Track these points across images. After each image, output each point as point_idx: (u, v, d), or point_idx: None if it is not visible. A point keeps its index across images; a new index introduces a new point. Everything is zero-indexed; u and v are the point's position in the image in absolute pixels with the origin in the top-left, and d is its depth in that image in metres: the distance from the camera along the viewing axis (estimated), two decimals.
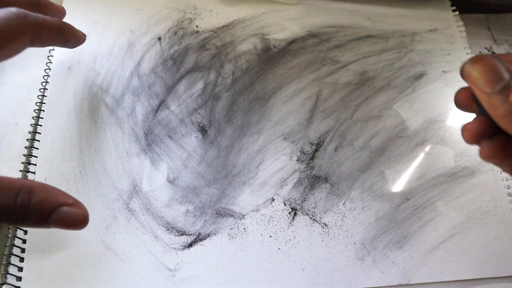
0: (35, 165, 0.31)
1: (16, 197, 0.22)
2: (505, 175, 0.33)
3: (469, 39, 0.40)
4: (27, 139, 0.32)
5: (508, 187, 0.32)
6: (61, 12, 0.32)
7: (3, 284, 0.27)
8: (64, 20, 0.36)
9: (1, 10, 0.24)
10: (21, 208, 0.22)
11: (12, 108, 0.34)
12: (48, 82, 0.34)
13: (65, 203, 0.24)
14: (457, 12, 0.41)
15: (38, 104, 0.34)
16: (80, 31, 0.32)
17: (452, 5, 0.41)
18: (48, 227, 0.23)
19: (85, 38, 0.32)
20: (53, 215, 0.23)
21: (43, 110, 0.33)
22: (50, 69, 0.35)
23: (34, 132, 0.32)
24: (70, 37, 0.30)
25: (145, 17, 0.38)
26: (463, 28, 0.40)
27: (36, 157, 0.31)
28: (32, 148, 0.32)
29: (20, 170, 0.31)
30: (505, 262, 0.30)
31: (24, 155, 0.31)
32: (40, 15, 0.27)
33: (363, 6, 0.41)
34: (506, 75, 0.19)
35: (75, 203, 0.25)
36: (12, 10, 0.24)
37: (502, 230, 0.31)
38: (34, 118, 0.33)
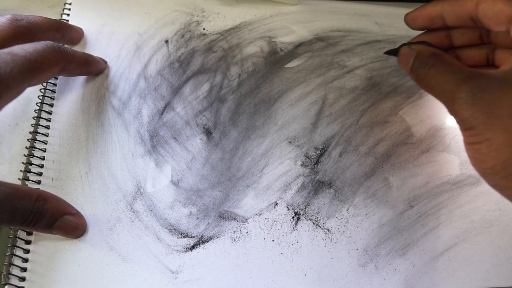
0: (36, 165, 0.31)
1: (34, 203, 0.27)
2: None
3: None
4: (27, 139, 0.32)
5: None
6: (80, 33, 0.37)
7: (5, 284, 0.28)
8: (73, 23, 0.37)
9: (39, 43, 0.27)
10: (36, 213, 0.27)
11: (13, 108, 0.34)
12: (53, 84, 0.35)
13: (69, 212, 0.29)
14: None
15: (38, 104, 0.34)
16: (103, 61, 0.36)
17: None
18: (51, 232, 0.28)
19: (106, 66, 0.36)
20: (57, 222, 0.28)
21: (44, 111, 0.33)
22: None
23: (35, 132, 0.32)
24: (94, 68, 0.35)
25: (153, 20, 0.38)
26: None
27: (37, 157, 0.32)
28: (33, 149, 0.32)
29: (21, 170, 0.31)
30: (509, 272, 0.30)
31: (24, 155, 0.32)
32: (70, 49, 0.31)
33: (370, 11, 0.41)
34: (411, 61, 0.28)
35: (77, 214, 0.29)
36: (49, 43, 0.28)
37: (506, 239, 0.31)
38: (35, 118, 0.33)
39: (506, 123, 0.22)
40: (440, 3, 0.28)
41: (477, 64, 0.31)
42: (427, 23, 0.29)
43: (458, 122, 0.24)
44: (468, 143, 0.24)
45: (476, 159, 0.23)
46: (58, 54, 0.29)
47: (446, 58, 0.26)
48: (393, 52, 0.32)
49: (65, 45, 0.36)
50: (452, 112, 0.24)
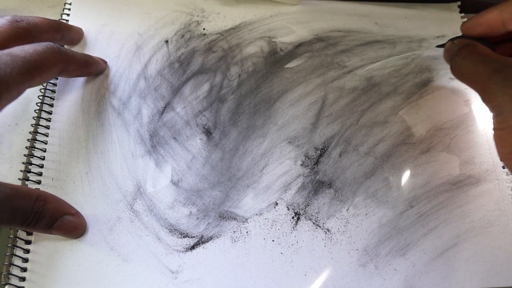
0: (36, 165, 0.31)
1: (34, 203, 0.27)
2: (511, 184, 0.33)
3: None
4: (27, 139, 0.32)
5: None
6: (80, 33, 0.37)
7: (6, 284, 0.28)
8: (73, 23, 0.37)
9: (39, 44, 0.27)
10: (36, 213, 0.27)
11: (13, 108, 0.34)
12: (53, 84, 0.35)
13: (69, 212, 0.29)
14: (465, 19, 0.40)
15: (38, 104, 0.34)
16: (103, 62, 0.35)
17: (460, 12, 0.41)
18: (51, 232, 0.28)
19: (106, 66, 0.36)
20: (57, 222, 0.27)
21: (44, 111, 0.33)
22: None
23: (35, 132, 0.32)
24: (94, 69, 0.35)
25: (153, 20, 0.38)
26: None
27: (37, 157, 0.32)
28: (33, 149, 0.32)
29: (21, 170, 0.31)
30: (509, 272, 0.30)
31: (24, 155, 0.32)
32: (70, 50, 0.31)
33: (370, 11, 0.41)
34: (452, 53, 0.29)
35: (77, 214, 0.30)
36: (49, 45, 0.28)
37: (506, 239, 0.31)
38: (35, 118, 0.33)
39: None
40: (498, 7, 0.29)
41: None
42: (486, 31, 0.29)
43: (490, 108, 0.26)
44: (495, 128, 0.25)
45: (499, 144, 0.25)
46: (58, 55, 0.29)
47: (479, 49, 0.27)
48: (442, 46, 0.33)
49: (65, 46, 0.36)
50: (484, 99, 0.26)
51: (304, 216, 0.31)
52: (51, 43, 0.29)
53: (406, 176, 0.33)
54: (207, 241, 0.30)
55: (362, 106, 0.35)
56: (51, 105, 0.34)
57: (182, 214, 0.31)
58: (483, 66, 0.26)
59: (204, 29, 0.38)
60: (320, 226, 0.31)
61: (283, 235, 0.30)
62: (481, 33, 0.30)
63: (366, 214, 0.31)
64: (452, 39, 0.31)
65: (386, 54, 0.38)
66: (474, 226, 0.31)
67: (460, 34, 0.31)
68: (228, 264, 0.29)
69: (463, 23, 0.31)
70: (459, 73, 0.28)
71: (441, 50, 0.39)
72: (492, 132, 0.26)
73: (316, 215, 0.31)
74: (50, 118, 0.33)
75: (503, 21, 0.29)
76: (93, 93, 0.35)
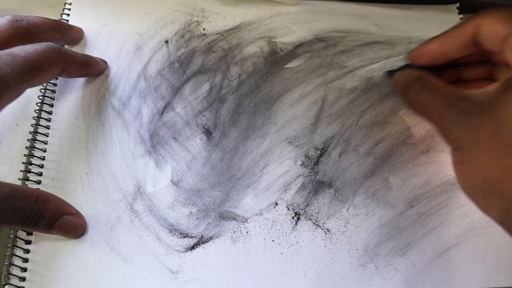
0: (36, 165, 0.31)
1: (34, 203, 0.27)
2: None
3: None
4: (27, 139, 0.32)
5: None
6: (80, 33, 0.37)
7: (6, 284, 0.28)
8: (73, 23, 0.37)
9: (40, 44, 0.27)
10: (36, 213, 0.27)
11: (13, 108, 0.34)
12: (53, 84, 0.35)
13: (69, 212, 0.29)
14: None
15: (39, 104, 0.34)
16: (103, 62, 0.35)
17: (459, 13, 0.41)
18: (51, 232, 0.28)
19: (106, 67, 0.36)
20: (57, 222, 0.27)
21: (44, 111, 0.33)
22: None
23: (35, 132, 0.32)
24: (94, 70, 0.34)
25: (153, 20, 0.38)
26: None
27: (37, 157, 0.32)
28: (33, 149, 0.32)
29: (21, 170, 0.31)
30: (509, 272, 0.30)
31: (24, 155, 0.32)
32: (70, 50, 0.31)
33: (370, 12, 0.41)
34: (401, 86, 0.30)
35: (77, 214, 0.30)
36: (49, 45, 0.28)
37: (506, 239, 0.31)
38: (35, 118, 0.33)
39: (485, 147, 0.23)
40: (439, 38, 0.29)
41: (478, 79, 0.32)
42: (430, 61, 0.30)
43: (447, 143, 0.26)
44: (454, 162, 0.26)
45: (460, 178, 0.25)
46: (58, 55, 0.29)
47: (431, 82, 0.27)
48: (393, 74, 0.34)
49: (65, 46, 0.36)
50: (442, 133, 0.26)
51: (304, 216, 0.31)
52: (52, 43, 0.29)
53: (406, 176, 0.33)
54: (207, 241, 0.30)
55: (362, 107, 0.35)
56: (51, 105, 0.34)
57: (182, 214, 0.31)
58: (437, 101, 0.26)
59: (204, 29, 0.38)
60: (320, 226, 0.31)
61: (283, 235, 0.30)
62: (425, 63, 0.30)
63: (366, 214, 0.31)
64: (400, 68, 0.31)
65: (385, 55, 0.38)
66: (474, 226, 0.31)
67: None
68: (228, 264, 0.29)
69: (409, 52, 0.32)
70: (415, 108, 0.28)
71: None
72: (452, 165, 0.26)
73: (316, 215, 0.31)
74: (50, 118, 0.33)
75: (445, 52, 0.29)
76: (93, 93, 0.35)
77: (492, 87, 0.24)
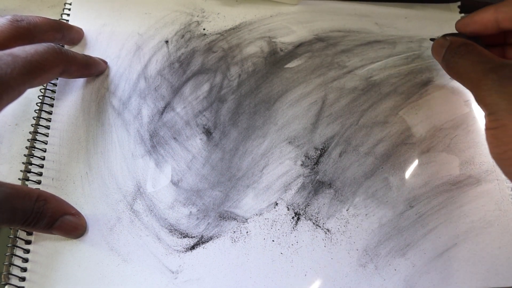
0: (36, 165, 0.31)
1: (34, 203, 0.27)
2: (511, 184, 0.33)
3: None
4: (27, 139, 0.32)
5: None
6: (80, 33, 0.37)
7: (6, 284, 0.28)
8: (73, 23, 0.37)
9: (41, 45, 0.27)
10: (36, 213, 0.27)
11: (13, 108, 0.34)
12: (53, 84, 0.35)
13: (69, 212, 0.29)
14: None
15: (39, 104, 0.34)
16: (103, 63, 0.35)
17: (460, 12, 0.41)
18: (51, 232, 0.28)
19: (106, 67, 0.36)
20: (57, 222, 0.27)
21: (44, 111, 0.33)
22: None
23: (35, 132, 0.32)
24: (94, 71, 0.35)
25: (153, 20, 0.38)
26: None
27: (37, 157, 0.32)
28: (33, 149, 0.32)
29: (21, 170, 0.31)
30: (509, 272, 0.30)
31: (24, 155, 0.32)
32: (71, 51, 0.31)
33: (371, 11, 0.41)
34: (443, 51, 0.30)
35: (77, 214, 0.30)
36: (50, 45, 0.28)
37: (506, 239, 0.31)
38: (35, 118, 0.33)
39: None
40: (494, 6, 0.29)
41: None
42: (480, 28, 0.30)
43: (482, 107, 0.25)
44: (488, 128, 0.25)
45: (492, 144, 0.25)
46: (59, 56, 0.29)
47: (477, 48, 0.27)
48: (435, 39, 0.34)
49: (65, 46, 0.36)
50: (477, 98, 0.26)
51: (304, 216, 0.31)
52: (52, 44, 0.29)
53: (406, 176, 0.33)
54: (207, 241, 0.30)
55: (362, 106, 0.35)
56: (51, 105, 0.34)
57: (182, 214, 0.31)
58: (480, 65, 0.26)
59: (204, 29, 0.38)
60: (320, 226, 0.31)
61: (283, 235, 0.30)
62: (475, 30, 0.30)
63: (366, 214, 0.31)
64: (445, 35, 0.31)
65: (386, 54, 0.38)
66: (474, 226, 0.31)
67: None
68: (228, 264, 0.29)
69: (459, 20, 0.31)
70: (455, 71, 0.28)
71: None
72: (485, 132, 0.26)
73: (316, 215, 0.31)
74: (50, 118, 0.33)
75: (497, 20, 0.29)
76: (93, 93, 0.35)
77: None
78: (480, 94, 0.25)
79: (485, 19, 0.29)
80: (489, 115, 0.25)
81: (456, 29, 0.32)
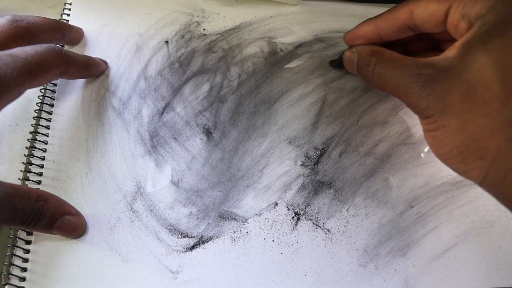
0: (37, 165, 0.31)
1: (34, 203, 0.27)
2: None
3: None
4: (27, 139, 0.32)
5: None
6: (80, 33, 0.37)
7: (6, 284, 0.28)
8: (73, 23, 0.37)
9: (41, 45, 0.27)
10: (36, 213, 0.27)
11: (13, 108, 0.34)
12: (53, 84, 0.35)
13: (69, 212, 0.29)
14: None
15: (39, 104, 0.34)
16: (103, 63, 0.35)
17: None
18: (51, 232, 0.28)
19: (107, 67, 0.36)
20: (57, 222, 0.27)
21: (44, 111, 0.33)
22: None
23: (35, 132, 0.32)
24: (94, 71, 0.34)
25: (153, 20, 0.38)
26: None
27: (37, 157, 0.32)
28: (33, 149, 0.32)
29: (21, 170, 0.31)
30: (509, 272, 0.30)
31: (24, 155, 0.32)
32: (71, 52, 0.31)
33: (370, 13, 0.40)
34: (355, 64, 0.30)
35: (77, 214, 0.30)
36: (50, 46, 0.28)
37: (506, 239, 0.31)
38: (35, 118, 0.33)
39: (458, 110, 0.22)
40: (374, 21, 0.30)
41: (424, 50, 0.32)
42: (366, 42, 0.30)
43: (416, 113, 0.25)
44: (426, 130, 0.25)
45: (434, 145, 0.25)
46: (59, 56, 0.29)
47: (388, 53, 0.27)
48: (337, 62, 0.36)
49: (65, 46, 0.36)
50: (409, 105, 0.25)
51: (304, 216, 0.31)
52: (53, 45, 0.29)
53: (406, 176, 0.33)
54: (207, 241, 0.30)
55: (362, 107, 0.35)
56: (51, 105, 0.34)
57: (182, 214, 0.31)
58: (399, 72, 0.25)
59: (204, 29, 0.38)
60: (320, 226, 0.31)
61: (283, 235, 0.30)
62: (361, 43, 0.31)
63: (366, 215, 0.31)
64: (342, 53, 0.32)
65: None
66: (474, 226, 0.31)
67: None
68: (228, 264, 0.29)
69: (345, 34, 0.32)
70: (375, 83, 0.28)
71: None
72: (424, 133, 0.25)
73: (316, 215, 0.31)
74: (50, 118, 0.33)
75: (379, 36, 0.30)
76: (93, 93, 0.35)
77: (451, 52, 0.24)
78: (411, 101, 0.25)
79: (368, 34, 0.30)
80: (424, 119, 0.25)
81: (345, 42, 0.32)
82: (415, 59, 0.25)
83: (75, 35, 0.36)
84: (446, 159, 0.24)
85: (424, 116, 0.24)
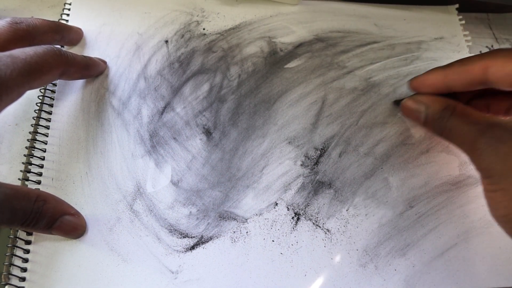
0: (36, 165, 0.31)
1: (33, 204, 0.27)
2: None
3: (471, 38, 0.40)
4: (27, 139, 0.32)
5: None
6: (79, 34, 0.37)
7: (6, 284, 0.28)
8: (73, 22, 0.37)
9: (40, 47, 0.27)
10: (36, 213, 0.27)
11: (13, 108, 0.34)
12: (53, 84, 0.35)
13: (69, 212, 0.29)
14: (463, 21, 0.40)
15: (38, 104, 0.34)
16: (103, 63, 0.35)
17: (458, 14, 0.41)
18: (51, 233, 0.28)
19: (106, 67, 0.36)
20: (57, 222, 0.28)
21: (44, 111, 0.33)
22: None
23: (35, 132, 0.32)
24: (94, 72, 0.35)
25: (153, 20, 0.38)
26: (469, 38, 0.40)
27: (37, 157, 0.32)
28: (33, 149, 0.32)
29: (21, 171, 0.31)
30: (509, 272, 0.30)
31: (24, 155, 0.32)
32: (70, 53, 0.31)
33: (370, 12, 0.41)
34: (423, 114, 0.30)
35: (77, 214, 0.30)
36: (49, 47, 0.28)
37: (506, 239, 0.31)
38: (35, 118, 0.33)
39: None
40: (444, 71, 0.29)
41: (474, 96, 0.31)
42: (433, 91, 0.30)
43: (478, 170, 0.25)
44: (486, 190, 0.25)
45: (491, 206, 0.25)
46: (58, 57, 0.29)
47: (461, 109, 0.27)
48: (398, 103, 0.35)
49: (65, 47, 0.36)
50: (473, 160, 0.25)
51: (304, 216, 0.31)
52: (52, 46, 0.29)
53: (406, 176, 0.33)
54: (207, 241, 0.30)
55: (362, 107, 0.35)
56: (51, 105, 0.34)
57: (182, 214, 0.31)
58: (468, 128, 0.25)
59: (204, 29, 0.38)
60: (320, 226, 0.31)
61: (283, 235, 0.30)
62: (428, 93, 0.30)
63: (366, 215, 0.31)
64: (414, 97, 0.31)
65: (385, 55, 0.38)
66: (474, 226, 0.31)
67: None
68: (228, 264, 0.29)
69: (411, 80, 0.31)
70: (446, 135, 0.28)
71: (440, 51, 0.39)
72: (484, 192, 0.25)
73: (316, 215, 0.31)
74: (50, 118, 0.33)
75: (448, 87, 0.29)
76: (93, 93, 0.35)
77: None
78: (475, 158, 0.25)
79: (436, 84, 0.29)
80: (486, 178, 0.25)
81: (411, 89, 0.32)
82: (486, 117, 0.25)
83: (74, 36, 0.36)
84: (500, 222, 0.25)
85: (485, 175, 0.25)
